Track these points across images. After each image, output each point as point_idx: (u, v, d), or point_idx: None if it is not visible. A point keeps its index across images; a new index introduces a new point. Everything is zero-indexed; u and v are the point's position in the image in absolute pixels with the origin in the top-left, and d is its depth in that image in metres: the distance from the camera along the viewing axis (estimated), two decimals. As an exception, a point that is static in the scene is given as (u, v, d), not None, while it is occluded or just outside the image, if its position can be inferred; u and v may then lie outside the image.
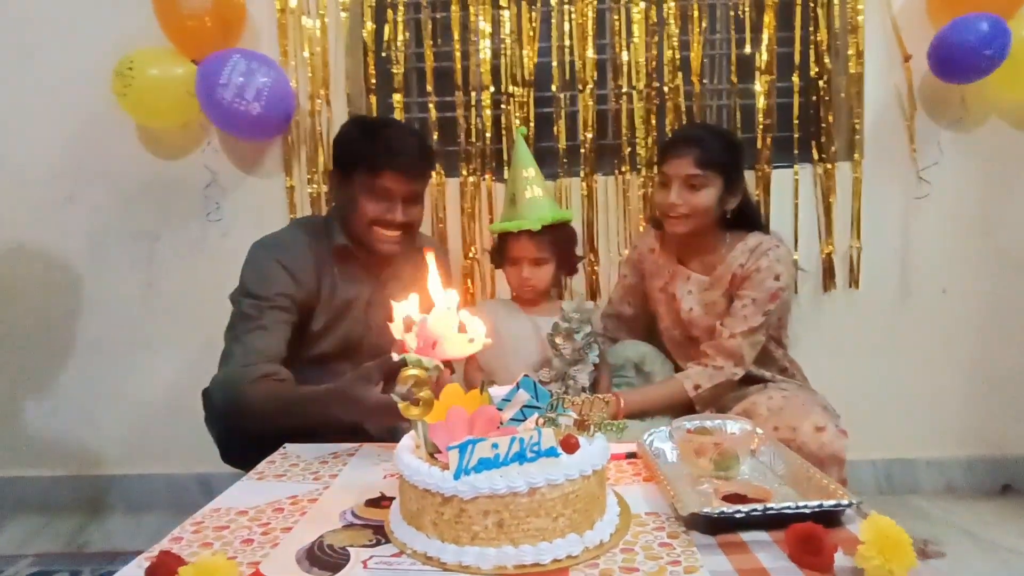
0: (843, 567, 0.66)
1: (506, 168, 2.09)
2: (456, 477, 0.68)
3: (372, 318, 1.47)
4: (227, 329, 1.36)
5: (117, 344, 2.19)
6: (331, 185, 1.46)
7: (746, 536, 0.73)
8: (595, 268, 2.12)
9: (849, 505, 0.75)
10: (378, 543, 0.75)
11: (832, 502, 0.74)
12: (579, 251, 1.75)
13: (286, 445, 1.11)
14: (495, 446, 0.70)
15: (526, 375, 0.86)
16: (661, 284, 1.61)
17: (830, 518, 0.74)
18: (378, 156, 1.36)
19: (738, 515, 0.73)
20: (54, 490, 2.19)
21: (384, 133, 1.41)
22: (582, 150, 2.09)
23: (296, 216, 2.08)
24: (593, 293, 2.13)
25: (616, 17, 2.06)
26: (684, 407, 1.35)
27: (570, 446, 0.74)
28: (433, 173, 1.57)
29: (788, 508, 0.74)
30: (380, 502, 0.86)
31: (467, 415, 0.78)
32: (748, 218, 1.55)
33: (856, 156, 2.06)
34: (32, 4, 2.10)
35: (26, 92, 2.12)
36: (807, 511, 0.73)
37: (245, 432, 1.27)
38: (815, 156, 2.08)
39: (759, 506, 0.74)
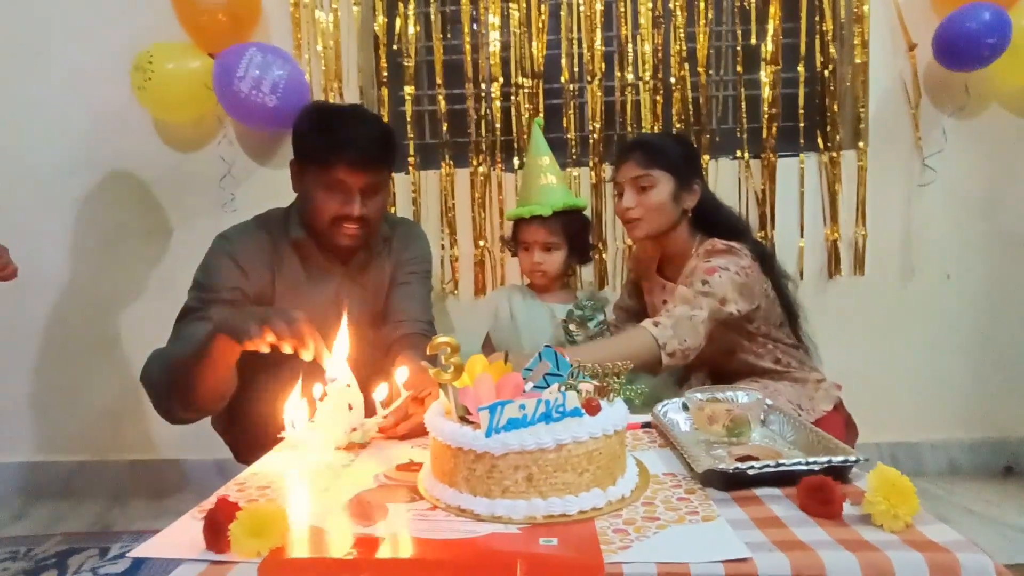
0: (851, 515, 0.70)
1: (516, 158, 2.14)
2: (488, 435, 0.73)
3: (341, 308, 1.38)
4: (175, 322, 1.32)
5: (136, 335, 2.24)
6: (291, 175, 1.40)
7: (759, 491, 0.78)
8: (603, 256, 2.16)
9: (856, 461, 0.79)
10: (412, 500, 0.80)
11: (841, 458, 0.79)
12: (592, 240, 1.77)
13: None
14: (523, 407, 0.75)
15: (548, 345, 0.91)
16: (648, 289, 1.63)
17: (839, 475, 0.79)
18: (331, 148, 1.29)
19: (751, 471, 0.77)
20: (79, 475, 2.25)
21: (338, 123, 1.33)
22: (590, 140, 2.13)
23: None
24: (601, 281, 2.17)
25: (623, 9, 2.10)
26: (648, 358, 1.22)
27: (592, 408, 0.78)
28: (397, 162, 1.46)
29: (799, 464, 0.78)
30: (410, 466, 0.91)
31: (493, 382, 0.83)
32: (712, 217, 1.49)
33: (861, 144, 2.09)
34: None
35: (44, 87, 2.17)
36: (817, 467, 0.78)
37: (184, 401, 1.23)
38: (820, 145, 2.12)
39: (771, 462, 0.78)
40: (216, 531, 0.64)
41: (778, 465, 0.78)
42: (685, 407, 1.04)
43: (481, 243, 2.17)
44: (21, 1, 2.15)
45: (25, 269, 2.22)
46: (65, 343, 2.26)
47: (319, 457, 0.95)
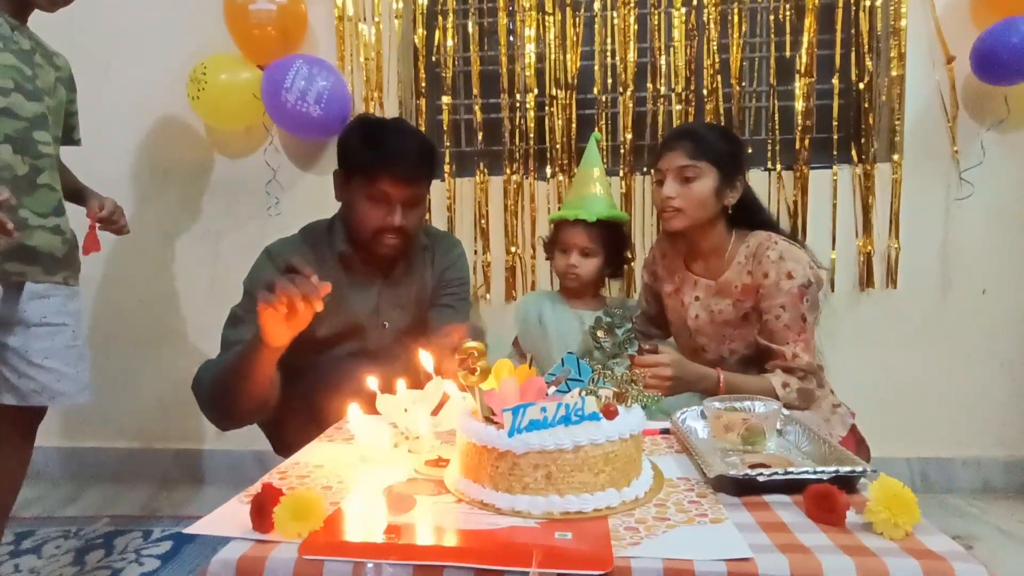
0: (854, 523, 0.73)
1: (548, 167, 2.20)
2: (510, 435, 0.78)
3: (383, 318, 1.49)
4: (223, 329, 1.37)
5: (185, 331, 2.37)
6: (335, 184, 1.47)
7: (768, 497, 0.81)
8: (631, 264, 2.19)
9: (864, 472, 0.82)
10: (439, 493, 0.85)
11: (848, 468, 0.82)
12: (628, 255, 1.80)
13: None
14: (544, 410, 0.80)
15: (570, 352, 0.96)
16: (671, 289, 1.61)
17: (846, 484, 0.81)
18: (378, 162, 1.35)
19: (761, 478, 0.81)
20: (129, 461, 2.39)
21: (384, 137, 1.39)
22: (621, 150, 2.17)
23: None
24: (628, 288, 2.21)
25: (657, 22, 2.14)
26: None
27: (610, 413, 0.83)
28: (437, 175, 1.51)
29: (807, 472, 0.81)
30: (438, 462, 0.96)
31: (518, 385, 0.88)
32: (751, 216, 1.48)
33: (896, 157, 2.08)
34: (114, 14, 2.28)
35: (108, 96, 2.30)
36: (824, 476, 0.81)
37: (229, 411, 1.29)
38: (854, 157, 2.11)
39: (780, 469, 0.82)
40: (261, 513, 0.71)
41: (787, 473, 0.81)
42: (703, 415, 1.08)
43: (513, 249, 2.22)
44: (88, 15, 2.28)
45: (86, 268, 2.39)
46: (121, 336, 2.40)
47: (365, 448, 1.00)
